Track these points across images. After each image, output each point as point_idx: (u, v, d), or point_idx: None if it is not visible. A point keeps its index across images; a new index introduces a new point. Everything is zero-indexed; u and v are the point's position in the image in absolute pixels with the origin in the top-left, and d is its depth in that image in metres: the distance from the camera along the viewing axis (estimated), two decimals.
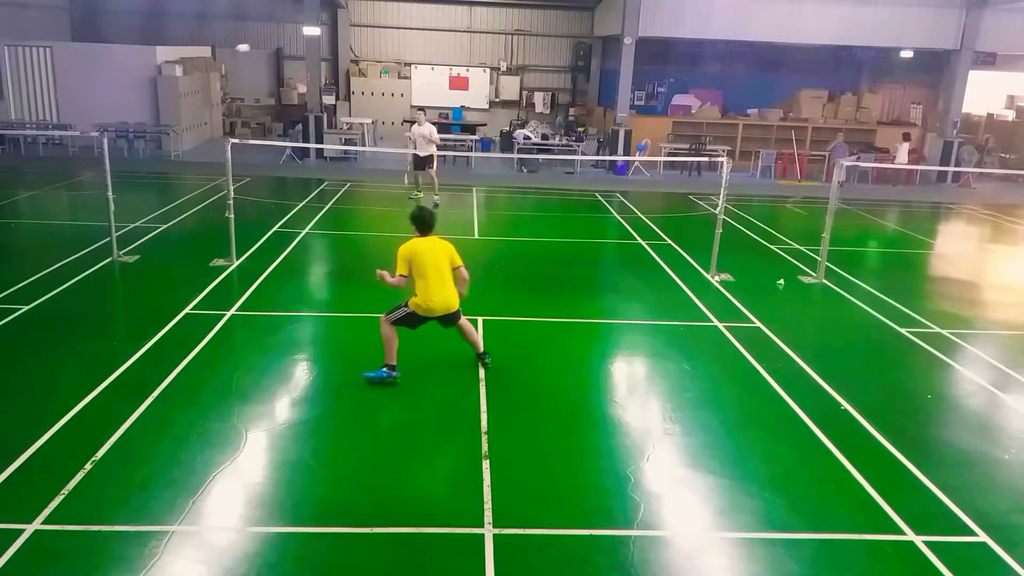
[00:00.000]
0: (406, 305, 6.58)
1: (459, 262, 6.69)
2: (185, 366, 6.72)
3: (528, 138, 19.88)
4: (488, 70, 26.48)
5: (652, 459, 5.53)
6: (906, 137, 19.37)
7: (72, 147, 19.39)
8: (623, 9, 19.62)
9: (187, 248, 10.97)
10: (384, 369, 6.51)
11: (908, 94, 24.84)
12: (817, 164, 21.00)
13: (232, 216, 10.05)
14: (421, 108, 16.30)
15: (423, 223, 6.56)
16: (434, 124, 22.63)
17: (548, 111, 26.56)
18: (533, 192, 17.04)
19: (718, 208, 10.44)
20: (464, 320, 6.86)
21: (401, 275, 6.44)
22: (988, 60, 21.11)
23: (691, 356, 7.56)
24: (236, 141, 10.59)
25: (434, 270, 6.46)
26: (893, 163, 18.74)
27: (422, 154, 14.58)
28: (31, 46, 19.78)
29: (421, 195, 15.00)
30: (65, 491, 4.77)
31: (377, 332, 6.55)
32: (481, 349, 6.97)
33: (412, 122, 23.28)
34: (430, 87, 26.14)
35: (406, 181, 16.00)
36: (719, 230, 10.46)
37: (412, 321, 6.63)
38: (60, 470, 4.98)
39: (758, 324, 8.50)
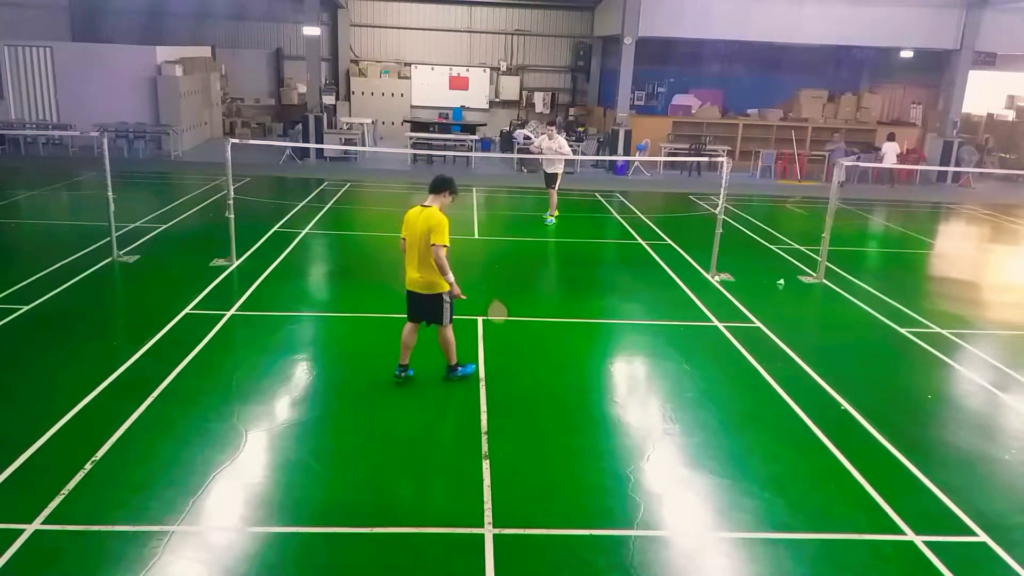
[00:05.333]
0: None
1: (438, 240, 5.97)
2: (185, 366, 6.72)
3: (528, 138, 19.85)
4: (488, 70, 26.47)
5: (652, 459, 5.53)
6: (890, 137, 19.39)
7: (72, 147, 19.39)
8: (623, 9, 19.62)
9: (187, 248, 10.97)
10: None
11: (908, 94, 24.84)
12: (817, 164, 21.01)
13: (232, 216, 10.04)
14: (552, 122, 14.62)
15: (432, 183, 6.26)
16: (434, 124, 22.86)
17: (548, 111, 26.55)
18: (533, 192, 17.00)
19: (718, 208, 10.43)
20: (443, 331, 6.38)
21: (402, 237, 6.28)
22: (988, 60, 21.12)
23: (691, 356, 7.55)
24: (236, 141, 10.59)
25: (410, 239, 6.16)
26: (881, 164, 18.73)
27: (549, 171, 13.61)
28: (31, 46, 19.78)
29: (554, 216, 13.61)
30: (65, 491, 4.77)
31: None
32: (450, 362, 6.56)
33: (412, 122, 23.48)
34: (430, 87, 26.14)
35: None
36: (719, 230, 10.45)
37: (407, 300, 6.40)
38: (60, 470, 4.98)
39: (758, 324, 8.50)
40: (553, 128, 13.85)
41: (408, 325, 6.46)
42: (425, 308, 6.29)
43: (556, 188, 13.72)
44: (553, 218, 13.70)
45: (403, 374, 6.48)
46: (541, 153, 13.68)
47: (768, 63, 24.54)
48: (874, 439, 5.95)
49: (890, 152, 18.81)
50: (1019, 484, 5.52)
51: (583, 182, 18.69)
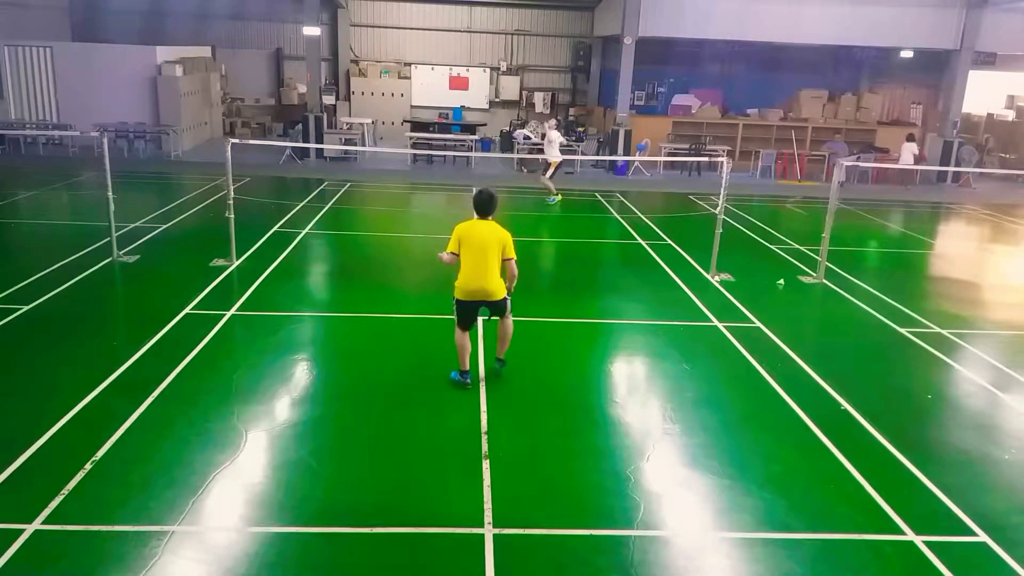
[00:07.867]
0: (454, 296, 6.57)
1: (512, 255, 6.56)
2: (185, 366, 6.72)
3: (528, 138, 19.88)
4: (488, 70, 26.47)
5: (652, 459, 5.53)
6: (910, 138, 19.26)
7: (72, 147, 19.38)
8: (623, 9, 19.62)
9: (187, 248, 10.97)
10: (455, 372, 6.62)
11: (908, 94, 24.83)
12: (817, 164, 21.01)
13: (232, 216, 10.04)
14: (555, 117, 17.99)
15: (477, 205, 6.54)
16: (434, 124, 22.89)
17: (548, 111, 26.55)
18: (533, 192, 17.01)
19: (718, 208, 10.43)
20: (507, 320, 6.73)
21: (451, 253, 6.46)
22: (988, 60, 21.11)
23: (691, 356, 7.55)
24: (236, 141, 10.59)
25: (478, 253, 6.41)
26: (897, 164, 18.67)
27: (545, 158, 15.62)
28: (31, 46, 19.78)
29: (560, 197, 15.48)
30: (65, 491, 4.77)
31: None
32: (501, 355, 6.81)
33: (412, 122, 23.49)
34: (430, 87, 26.13)
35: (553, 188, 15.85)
36: (719, 230, 10.45)
37: (460, 312, 6.54)
38: (60, 470, 4.98)
39: (758, 324, 8.50)
40: (553, 122, 15.83)
41: (463, 333, 6.58)
42: (496, 308, 6.61)
43: (547, 175, 15.42)
44: (555, 199, 15.38)
45: (469, 379, 6.61)
46: (540, 140, 15.85)
47: (768, 63, 24.52)
48: (874, 439, 5.95)
49: (906, 152, 18.73)
50: (1019, 484, 5.52)
51: (583, 182, 18.70)
